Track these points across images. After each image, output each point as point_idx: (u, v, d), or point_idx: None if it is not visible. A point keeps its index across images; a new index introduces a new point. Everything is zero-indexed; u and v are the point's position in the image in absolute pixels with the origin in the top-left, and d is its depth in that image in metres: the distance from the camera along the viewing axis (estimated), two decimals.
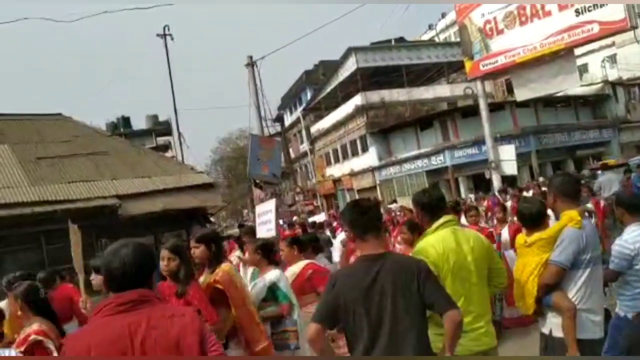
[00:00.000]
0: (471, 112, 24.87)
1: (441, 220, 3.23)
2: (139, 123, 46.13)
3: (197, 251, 4.03)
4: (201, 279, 3.99)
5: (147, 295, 2.07)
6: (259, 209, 8.42)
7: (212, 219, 19.16)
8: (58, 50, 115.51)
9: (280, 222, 16.81)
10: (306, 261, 5.07)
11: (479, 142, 23.05)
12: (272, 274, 4.54)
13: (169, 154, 33.62)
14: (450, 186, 24.91)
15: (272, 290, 4.44)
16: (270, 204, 8.02)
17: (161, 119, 44.92)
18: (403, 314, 2.49)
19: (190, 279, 3.73)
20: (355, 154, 32.57)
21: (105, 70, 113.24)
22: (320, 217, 14.35)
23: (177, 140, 21.89)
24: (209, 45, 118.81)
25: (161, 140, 45.14)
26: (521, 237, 3.63)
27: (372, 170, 30.38)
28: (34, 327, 3.44)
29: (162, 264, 3.72)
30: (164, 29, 19.86)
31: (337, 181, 35.69)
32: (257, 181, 14.97)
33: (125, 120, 44.77)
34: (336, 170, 35.66)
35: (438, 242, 3.11)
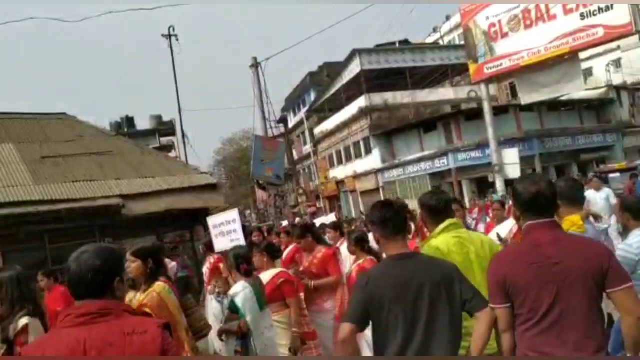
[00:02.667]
0: (475, 115, 24.86)
1: (445, 224, 3.25)
2: (143, 123, 46.20)
3: (133, 266, 3.78)
4: (129, 297, 3.80)
5: (109, 307, 1.95)
6: (215, 219, 8.25)
7: None
8: (63, 50, 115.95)
9: (285, 223, 16.83)
10: (278, 269, 5.12)
11: (482, 145, 23.04)
12: (235, 287, 4.46)
13: (172, 154, 33.65)
14: (454, 189, 24.89)
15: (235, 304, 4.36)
16: (233, 214, 7.95)
17: (165, 119, 44.96)
18: (439, 313, 2.48)
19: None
20: (358, 156, 32.57)
21: (110, 70, 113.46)
22: (330, 218, 14.29)
23: (181, 141, 21.90)
24: (213, 46, 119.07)
25: (165, 140, 45.19)
26: None
27: (376, 172, 30.38)
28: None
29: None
30: (169, 29, 19.89)
31: (340, 183, 35.70)
32: (261, 182, 15.10)
33: (129, 120, 44.84)
34: (339, 172, 35.67)
35: (443, 245, 3.13)
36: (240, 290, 4.37)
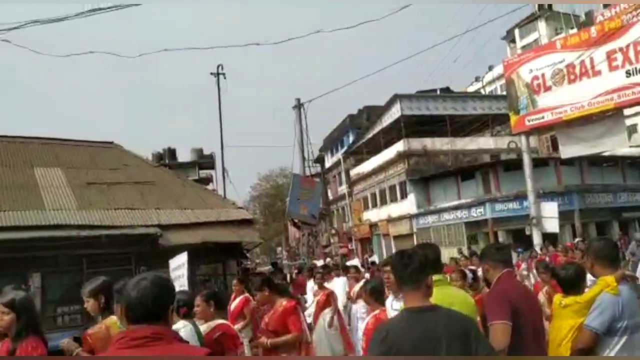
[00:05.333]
0: (514, 166, 24.62)
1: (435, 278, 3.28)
2: (184, 155, 47.26)
3: (88, 305, 3.95)
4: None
5: (162, 332, 2.07)
6: (173, 263, 8.27)
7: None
8: (117, 83, 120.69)
9: (319, 262, 16.85)
10: (218, 321, 4.77)
11: (520, 197, 22.73)
12: (176, 325, 4.24)
13: (210, 186, 34.25)
14: (490, 239, 24.50)
15: None
16: (182, 258, 7.90)
17: (205, 152, 45.92)
18: None
19: (25, 336, 3.41)
20: (393, 199, 32.48)
21: (159, 104, 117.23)
22: (354, 262, 14.31)
23: (221, 175, 22.33)
24: (258, 85, 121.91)
25: (204, 173, 46.03)
26: (558, 298, 3.64)
27: (410, 217, 30.19)
28: None
29: None
30: (218, 67, 20.58)
31: (373, 226, 35.54)
32: (295, 220, 15.23)
33: (171, 152, 45.95)
34: (373, 214, 35.56)
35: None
36: (181, 327, 4.24)
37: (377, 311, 5.05)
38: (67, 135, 16.34)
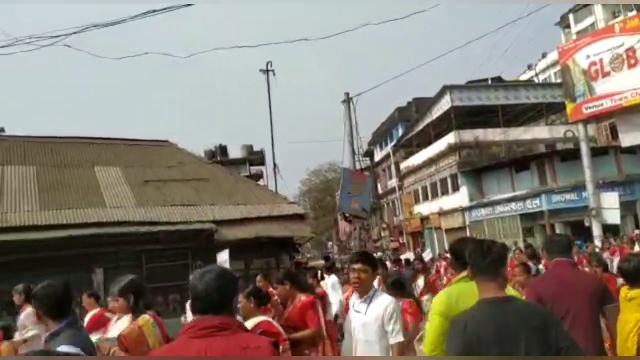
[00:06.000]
0: (571, 155, 23.84)
1: (463, 274, 3.29)
2: (235, 152, 48.00)
3: (116, 305, 4.02)
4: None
5: (227, 322, 2.16)
6: (219, 258, 8.30)
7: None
8: (171, 82, 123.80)
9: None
10: (260, 318, 4.70)
11: (578, 188, 22.00)
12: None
13: (260, 183, 34.71)
14: (546, 232, 23.83)
15: None
16: (224, 255, 7.90)
17: (255, 149, 46.49)
18: (536, 358, 2.47)
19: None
20: (445, 192, 32.04)
21: (210, 102, 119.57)
22: (407, 255, 14.22)
23: (272, 171, 22.62)
24: (307, 81, 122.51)
25: (254, 169, 46.63)
26: (624, 291, 3.53)
27: (463, 210, 29.71)
28: None
29: None
30: (267, 64, 20.87)
31: (424, 219, 35.18)
32: (347, 214, 15.22)
33: (222, 149, 46.73)
34: (424, 208, 35.19)
35: (453, 293, 3.25)
36: None
37: (399, 302, 4.96)
38: (125, 135, 16.93)
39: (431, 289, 8.90)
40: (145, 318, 3.87)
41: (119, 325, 4.20)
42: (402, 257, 14.51)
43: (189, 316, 6.51)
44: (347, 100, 15.92)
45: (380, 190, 44.49)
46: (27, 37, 12.47)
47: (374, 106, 62.70)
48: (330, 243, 62.87)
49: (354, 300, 4.18)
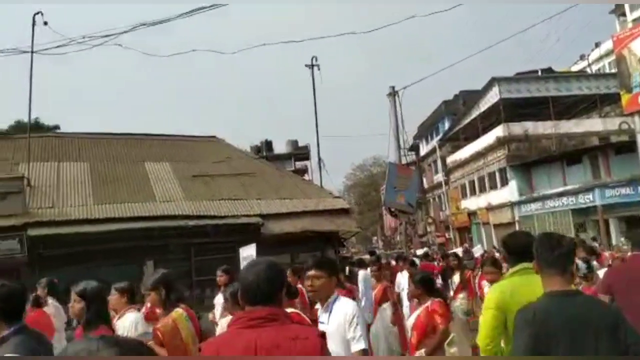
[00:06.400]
0: (626, 148, 22.95)
1: (517, 267, 3.25)
2: (280, 147, 48.44)
3: (149, 298, 4.08)
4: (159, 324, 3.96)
5: (276, 313, 2.17)
6: (242, 252, 8.23)
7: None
8: (218, 79, 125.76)
9: (419, 252, 16.67)
10: (291, 310, 4.62)
11: (635, 182, 21.16)
12: None
13: (305, 177, 34.88)
14: (599, 227, 23.01)
15: None
16: (251, 249, 7.83)
17: (300, 144, 46.79)
18: (604, 353, 2.40)
19: (96, 324, 3.51)
20: (493, 187, 31.37)
21: (255, 98, 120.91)
22: (478, 250, 13.91)
23: (317, 166, 22.65)
24: (352, 75, 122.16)
25: (299, 164, 46.95)
26: None
27: (512, 205, 29.00)
28: None
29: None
30: (312, 59, 20.83)
31: (472, 214, 34.56)
32: (392, 209, 15.13)
33: (268, 144, 47.24)
34: (472, 203, 34.57)
35: (507, 287, 3.19)
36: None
37: (428, 302, 4.90)
38: (173, 131, 17.32)
39: (467, 286, 8.60)
40: (179, 312, 3.94)
41: (123, 321, 4.31)
42: (451, 252, 14.25)
43: (218, 312, 6.58)
44: (393, 93, 15.79)
45: (426, 185, 44.00)
46: (80, 37, 12.90)
47: (420, 99, 62.07)
48: (375, 238, 62.69)
49: (319, 310, 3.97)
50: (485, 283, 6.86)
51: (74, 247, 10.97)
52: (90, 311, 3.58)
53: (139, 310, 4.76)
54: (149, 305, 6.39)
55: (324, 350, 2.14)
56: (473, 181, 34.41)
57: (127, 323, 4.29)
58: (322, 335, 2.20)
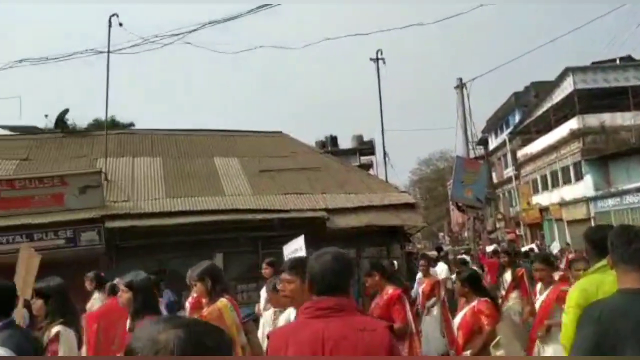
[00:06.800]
0: None
1: (601, 263, 3.06)
2: (345, 142, 48.49)
3: (195, 288, 4.11)
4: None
5: (344, 304, 2.15)
6: (287, 249, 8.09)
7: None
8: (283, 73, 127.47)
9: (489, 248, 16.27)
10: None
11: None
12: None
13: (370, 172, 34.73)
14: None
15: None
16: (299, 242, 7.67)
17: (365, 139, 46.65)
18: None
19: (142, 314, 3.62)
20: (567, 181, 30.10)
21: (321, 92, 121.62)
22: (555, 247, 13.51)
23: (382, 160, 22.54)
24: (418, 67, 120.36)
25: (364, 159, 46.82)
26: None
27: (587, 200, 27.72)
28: None
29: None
30: (377, 53, 20.67)
31: (544, 210, 33.31)
32: (460, 204, 14.78)
33: (333, 139, 47.40)
34: (544, 198, 33.32)
35: (591, 285, 3.03)
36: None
37: (474, 302, 4.74)
38: (240, 127, 17.68)
39: (519, 284, 8.21)
40: (224, 301, 4.04)
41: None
42: (525, 248, 13.83)
43: (262, 305, 6.66)
44: (460, 86, 15.43)
45: (495, 180, 42.81)
46: (152, 36, 13.40)
47: (489, 91, 60.37)
48: (441, 234, 61.72)
49: (289, 312, 3.90)
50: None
51: (148, 239, 11.44)
52: (137, 301, 3.77)
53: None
54: (195, 295, 6.64)
55: (392, 343, 2.11)
56: (545, 176, 33.18)
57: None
58: (390, 327, 2.17)
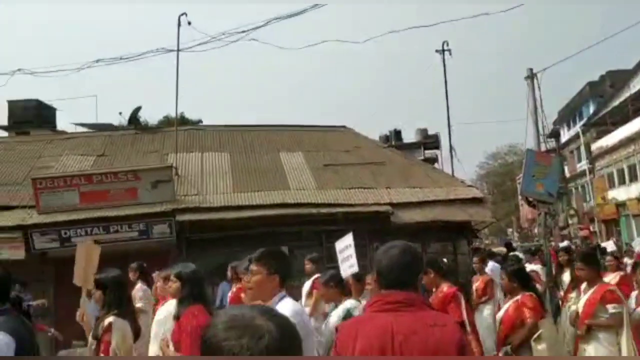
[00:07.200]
0: None
1: None
2: (409, 136, 47.83)
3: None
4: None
5: (413, 298, 2.12)
6: (338, 245, 7.86)
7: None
8: (346, 68, 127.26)
9: (562, 244, 15.68)
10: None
11: None
12: (346, 304, 4.45)
13: (435, 166, 34.15)
14: None
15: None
16: (348, 239, 7.42)
17: (430, 132, 45.86)
18: None
19: (188, 303, 3.77)
20: None
21: (385, 86, 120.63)
22: (609, 245, 12.92)
23: (448, 154, 22.10)
24: (485, 57, 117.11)
25: (429, 153, 46.08)
26: None
27: None
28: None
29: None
30: (443, 44, 20.30)
31: (620, 205, 31.67)
32: (530, 199, 14.24)
33: (397, 133, 46.87)
34: (620, 193, 31.68)
35: None
36: (355, 305, 4.41)
37: (518, 296, 4.64)
38: (304, 122, 17.84)
39: (578, 284, 7.81)
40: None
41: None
42: (604, 245, 13.20)
43: (303, 301, 6.68)
44: (531, 76, 14.86)
45: (567, 174, 41.08)
46: (219, 34, 13.74)
47: (561, 82, 57.86)
48: (510, 230, 59.87)
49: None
50: None
51: (216, 232, 11.78)
52: (184, 290, 3.90)
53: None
54: (234, 289, 6.79)
55: (462, 339, 2.08)
56: (622, 169, 31.52)
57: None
58: (462, 323, 2.13)
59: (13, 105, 19.28)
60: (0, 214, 11.74)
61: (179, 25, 13.98)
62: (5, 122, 19.72)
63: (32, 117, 18.76)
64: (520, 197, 31.70)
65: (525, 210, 41.69)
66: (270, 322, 1.06)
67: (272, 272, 3.13)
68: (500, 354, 4.53)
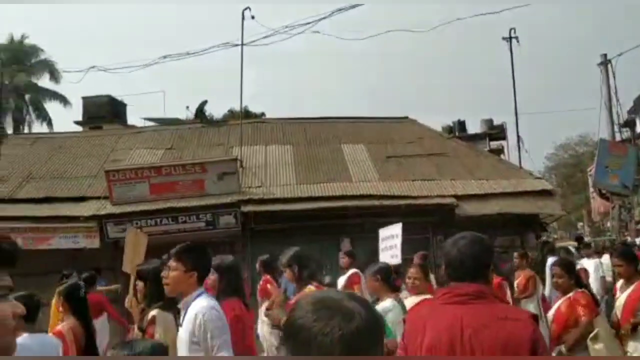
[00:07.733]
0: None
1: None
2: (473, 127, 46.71)
3: (286, 274, 4.25)
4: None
5: (483, 291, 2.07)
6: (383, 233, 7.55)
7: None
8: (410, 58, 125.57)
9: (638, 240, 14.95)
10: (424, 296, 4.40)
11: None
12: (385, 303, 4.22)
13: (501, 158, 33.16)
14: None
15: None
16: (396, 228, 7.10)
17: (496, 122, 44.59)
18: None
19: (225, 294, 3.83)
20: None
21: (449, 76, 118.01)
22: None
23: (516, 145, 21.36)
24: (555, 43, 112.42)
25: (494, 144, 44.83)
26: None
27: None
28: (59, 327, 3.89)
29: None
30: (510, 31, 19.58)
31: None
32: (603, 191, 13.68)
33: (461, 124, 45.88)
34: None
35: None
36: (391, 307, 4.18)
37: (570, 293, 4.45)
38: (367, 113, 17.74)
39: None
40: (311, 289, 4.08)
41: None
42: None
43: None
44: (605, 62, 14.18)
45: None
46: (282, 27, 13.89)
47: (637, 68, 54.69)
48: (580, 224, 57.40)
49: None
50: None
51: (279, 223, 11.96)
52: (222, 282, 4.00)
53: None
54: (261, 282, 6.95)
55: (536, 335, 1.99)
56: None
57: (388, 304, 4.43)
58: (535, 317, 2.06)
59: (87, 102, 20.18)
60: (77, 204, 12.39)
61: (243, 19, 14.21)
62: (80, 118, 20.68)
63: (105, 112, 19.56)
64: (592, 189, 30.35)
65: (597, 203, 39.80)
66: (358, 304, 1.07)
67: (190, 269, 3.12)
68: (554, 354, 4.38)
